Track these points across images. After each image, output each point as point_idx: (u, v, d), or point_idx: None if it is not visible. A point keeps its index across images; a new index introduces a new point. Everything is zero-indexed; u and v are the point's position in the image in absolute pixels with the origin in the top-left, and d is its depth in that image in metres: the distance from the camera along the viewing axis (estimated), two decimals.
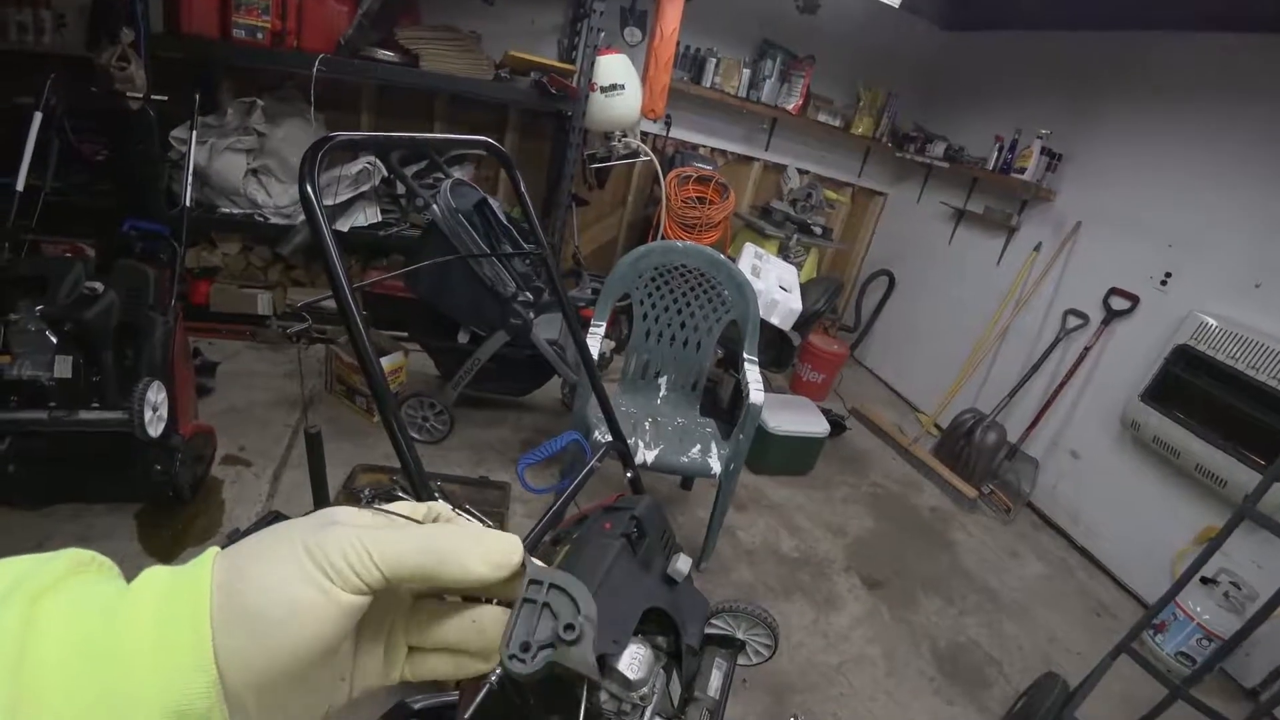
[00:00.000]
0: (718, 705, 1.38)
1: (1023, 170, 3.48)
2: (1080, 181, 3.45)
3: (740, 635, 1.63)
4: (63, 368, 1.75)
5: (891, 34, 4.15)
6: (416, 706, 1.44)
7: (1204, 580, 2.47)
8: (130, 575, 0.29)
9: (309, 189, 0.68)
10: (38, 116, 2.06)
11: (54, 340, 1.74)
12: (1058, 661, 2.46)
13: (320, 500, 2.01)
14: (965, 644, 2.44)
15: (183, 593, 0.27)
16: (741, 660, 1.64)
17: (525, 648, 0.34)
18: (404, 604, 0.37)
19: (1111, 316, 3.16)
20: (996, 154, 3.68)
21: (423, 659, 0.37)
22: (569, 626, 0.34)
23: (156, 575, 0.28)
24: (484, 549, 0.33)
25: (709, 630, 1.58)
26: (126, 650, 0.25)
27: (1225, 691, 2.50)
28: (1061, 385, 3.30)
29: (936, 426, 3.93)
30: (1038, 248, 3.55)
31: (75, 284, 1.80)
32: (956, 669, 2.31)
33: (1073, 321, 3.35)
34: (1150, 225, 3.07)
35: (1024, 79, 3.83)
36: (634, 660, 1.05)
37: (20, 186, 2.01)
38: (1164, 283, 2.99)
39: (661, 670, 1.24)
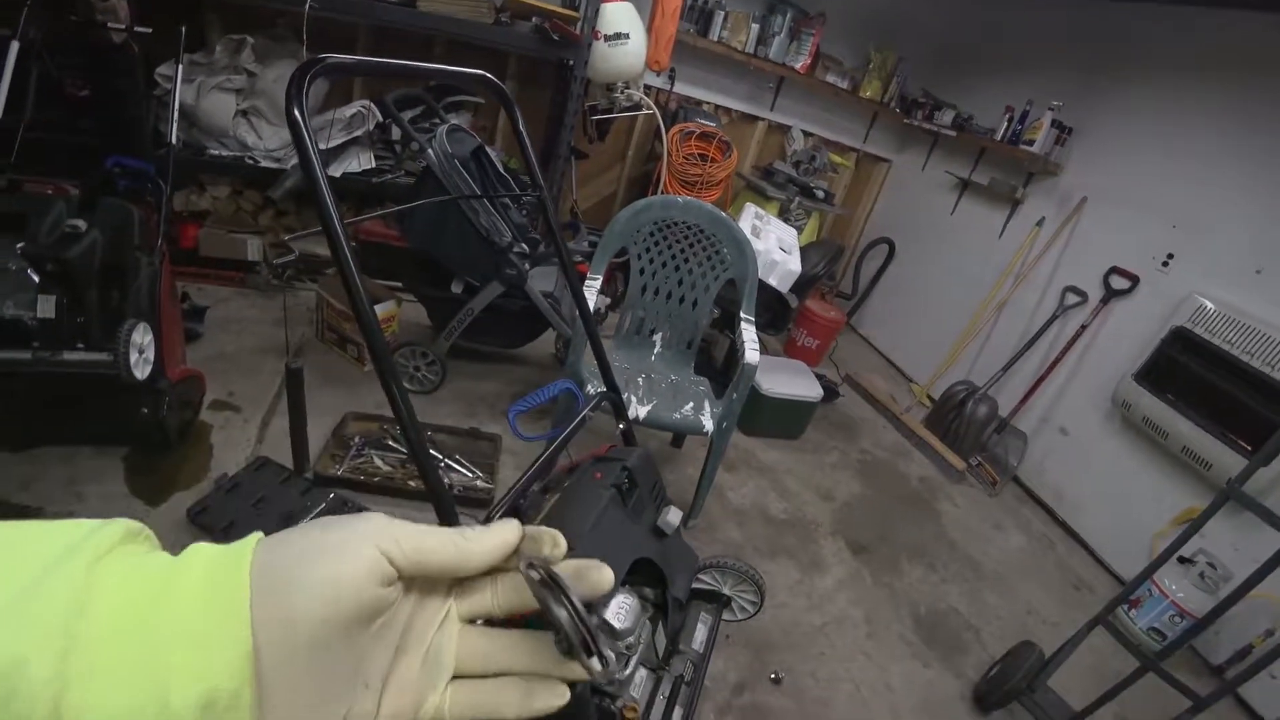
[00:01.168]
0: (702, 658, 1.41)
1: (1031, 142, 3.42)
2: (1088, 157, 3.40)
3: (726, 591, 1.65)
4: (45, 307, 1.71)
5: None
6: None
7: (1181, 560, 2.51)
8: (118, 516, 0.30)
9: (296, 112, 0.64)
10: (14, 46, 1.97)
11: (35, 279, 1.69)
12: (1034, 631, 2.51)
13: (299, 438, 2.00)
14: (945, 611, 2.48)
15: (226, 568, 0.28)
16: (726, 616, 1.66)
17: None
18: (445, 614, 0.36)
19: (1110, 295, 3.14)
20: (1006, 124, 3.61)
21: (475, 690, 0.36)
22: (561, 635, 0.34)
23: (202, 551, 0.29)
24: (488, 532, 0.36)
25: (696, 585, 1.59)
26: (171, 620, 0.27)
27: (1192, 667, 2.56)
28: (1055, 362, 3.30)
29: (929, 397, 3.94)
30: (1040, 222, 3.51)
31: (57, 222, 1.74)
32: (935, 634, 2.35)
33: (1071, 298, 3.34)
34: (1155, 205, 3.03)
35: (1038, 49, 3.74)
36: (621, 610, 1.06)
37: None
38: (1165, 264, 2.97)
39: (648, 621, 1.26)
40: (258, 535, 0.31)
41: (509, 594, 0.37)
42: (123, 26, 2.33)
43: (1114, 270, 3.15)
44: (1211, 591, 2.43)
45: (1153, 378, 2.83)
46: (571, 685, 0.36)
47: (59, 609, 0.25)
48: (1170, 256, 2.95)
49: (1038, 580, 2.83)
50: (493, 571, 0.37)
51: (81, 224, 1.74)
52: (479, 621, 0.38)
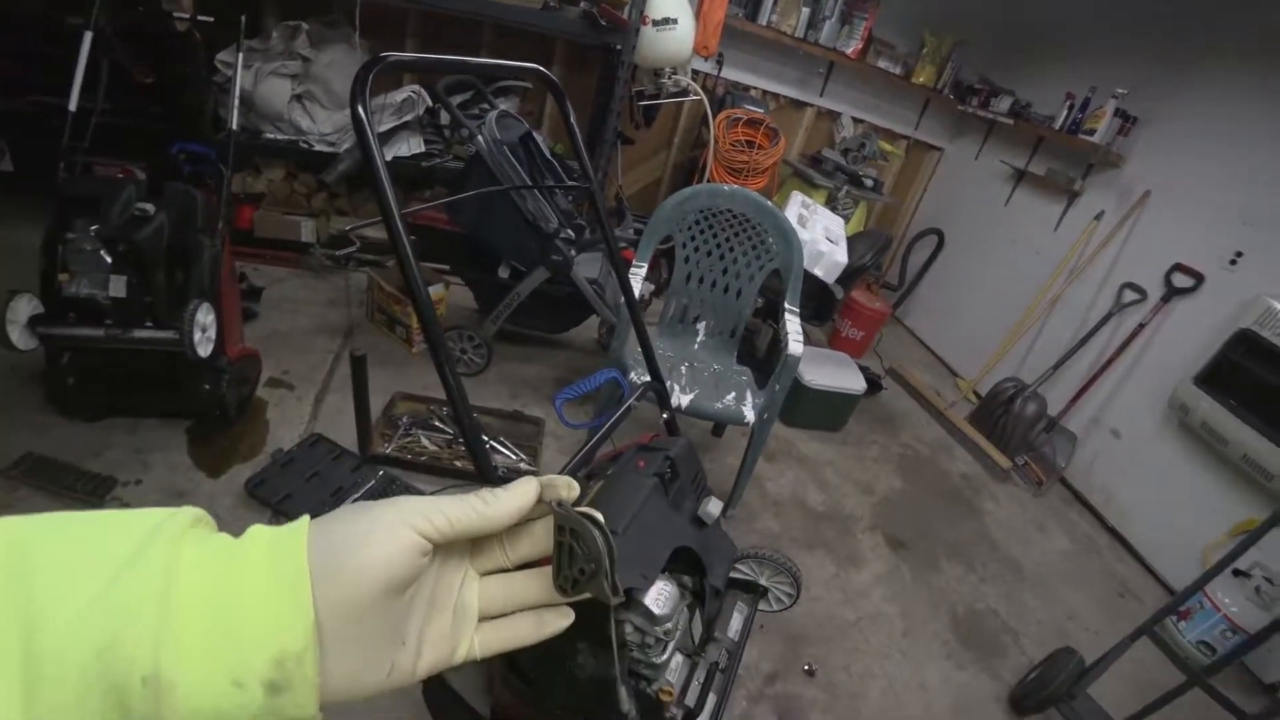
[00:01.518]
0: (736, 647, 1.42)
1: (1092, 132, 3.29)
2: (1154, 148, 3.25)
3: (763, 582, 1.65)
4: (117, 287, 1.80)
5: None
6: None
7: (1236, 573, 2.42)
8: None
9: (360, 110, 0.66)
10: (88, 36, 2.05)
11: (108, 260, 1.78)
12: (1075, 638, 2.45)
13: (363, 420, 2.07)
14: (983, 611, 2.45)
15: (286, 550, 0.32)
16: (762, 606, 1.67)
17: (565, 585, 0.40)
18: (464, 573, 0.42)
19: (1172, 294, 3.02)
20: (1066, 113, 3.48)
21: (498, 628, 0.42)
22: (582, 570, 0.40)
23: (261, 534, 0.33)
24: (506, 511, 0.39)
25: (733, 575, 1.61)
26: (242, 595, 0.30)
27: (1242, 684, 2.47)
28: (1110, 361, 3.20)
29: (975, 393, 3.86)
30: (1099, 216, 3.39)
31: (127, 205, 1.82)
32: (972, 635, 2.32)
33: (1129, 296, 3.22)
34: (1225, 200, 2.89)
35: (1103, 34, 3.58)
36: (660, 596, 1.08)
37: (73, 107, 2.03)
38: (1233, 262, 2.83)
39: (685, 608, 1.28)
40: (306, 519, 0.34)
41: (519, 546, 0.42)
42: (187, 16, 2.41)
43: (1177, 267, 3.02)
44: (1267, 607, 2.34)
45: (1214, 381, 2.72)
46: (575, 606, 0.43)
47: (152, 588, 0.28)
48: (1239, 254, 2.81)
49: (1081, 585, 2.76)
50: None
51: (150, 207, 1.82)
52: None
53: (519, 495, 0.40)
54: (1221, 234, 2.87)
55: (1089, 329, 3.33)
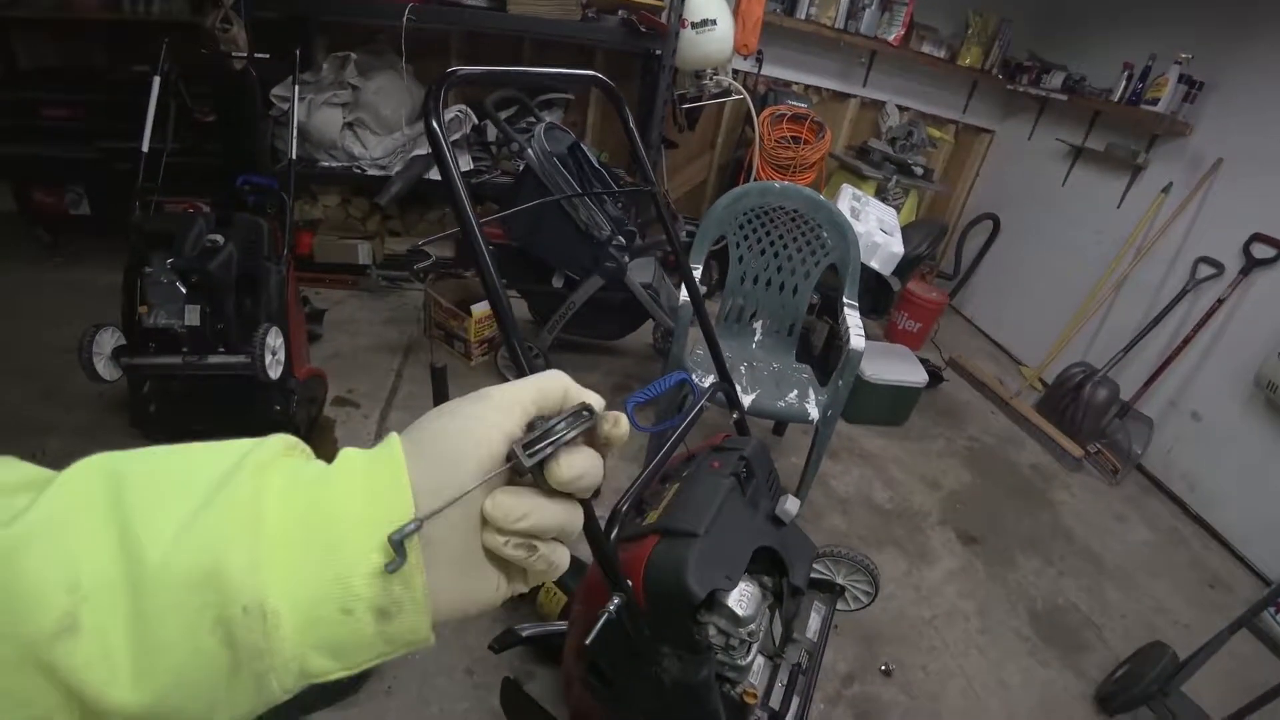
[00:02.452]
0: (816, 647, 1.40)
1: (1155, 101, 3.15)
2: (1224, 114, 3.09)
3: (840, 580, 1.63)
4: (192, 316, 1.88)
5: None
6: (525, 634, 1.52)
7: None
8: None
9: (435, 124, 0.68)
10: (156, 81, 2.17)
11: (183, 290, 1.86)
12: (1163, 632, 2.34)
13: None
14: (1063, 606, 2.35)
15: (381, 459, 0.32)
16: (840, 606, 1.64)
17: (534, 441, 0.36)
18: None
19: (1252, 265, 2.86)
20: (1124, 83, 3.34)
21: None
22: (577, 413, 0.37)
23: (354, 453, 0.33)
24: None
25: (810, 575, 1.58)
26: (340, 516, 0.30)
27: None
28: (1186, 340, 3.05)
29: (1041, 381, 3.73)
30: (1167, 188, 3.24)
31: (199, 237, 1.91)
32: (1053, 631, 2.24)
33: (1204, 270, 3.06)
34: None
35: None
36: (743, 597, 1.07)
37: (145, 148, 2.14)
38: None
39: (767, 610, 1.26)
40: (396, 435, 0.34)
41: None
42: (244, 55, 2.51)
43: (1256, 237, 2.86)
44: None
45: None
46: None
47: (241, 516, 0.28)
48: None
49: (1167, 577, 2.63)
50: None
51: (220, 238, 1.91)
52: None
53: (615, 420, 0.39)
54: None
55: (1161, 308, 3.18)
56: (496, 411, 0.35)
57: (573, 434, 0.36)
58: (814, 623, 1.46)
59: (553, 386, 0.38)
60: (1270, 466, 2.74)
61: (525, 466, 0.34)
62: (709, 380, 1.39)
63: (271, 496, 0.29)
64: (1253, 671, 2.17)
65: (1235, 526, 2.86)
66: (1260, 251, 2.85)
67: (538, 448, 0.34)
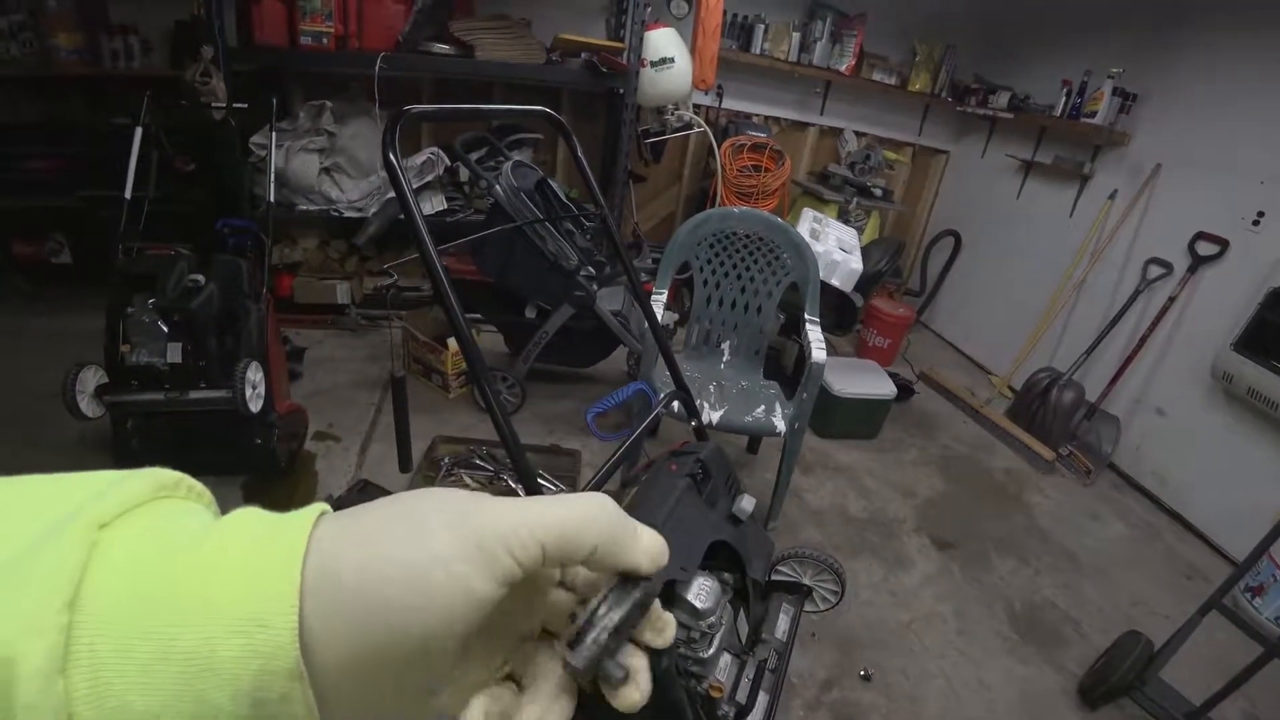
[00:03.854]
0: (785, 647, 1.44)
1: (1093, 114, 3.32)
2: (1158, 121, 3.26)
3: (807, 581, 1.67)
4: (174, 353, 1.94)
5: None
6: None
7: None
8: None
9: (391, 156, 0.75)
10: (139, 132, 2.27)
11: (165, 329, 1.93)
12: (1142, 624, 2.36)
13: (402, 436, 2.15)
14: (1041, 604, 2.39)
15: (275, 548, 0.23)
16: (809, 607, 1.68)
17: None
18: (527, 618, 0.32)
19: (1198, 263, 2.99)
20: (1064, 99, 3.51)
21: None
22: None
23: (248, 519, 0.24)
24: (645, 540, 0.30)
25: (776, 576, 1.63)
26: (199, 605, 0.21)
27: None
28: (1144, 339, 3.15)
29: (1010, 388, 3.82)
30: (1113, 195, 3.38)
31: (180, 278, 1.98)
32: (1032, 629, 2.27)
33: (1154, 271, 3.19)
34: (1239, 162, 2.88)
35: (1090, 17, 3.62)
36: (701, 590, 1.12)
37: (128, 195, 2.22)
38: (1256, 223, 2.80)
39: (729, 605, 1.30)
40: (318, 509, 0.25)
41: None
42: (223, 105, 2.62)
43: (1200, 236, 3.00)
44: None
45: (1254, 345, 2.66)
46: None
47: (49, 588, 0.20)
48: (1261, 214, 2.78)
49: (1143, 570, 2.68)
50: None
51: (200, 278, 1.97)
52: None
53: (656, 540, 0.31)
54: (1240, 196, 2.85)
55: (1118, 309, 3.29)
56: (471, 561, 0.24)
57: (623, 622, 0.29)
58: (782, 623, 1.50)
59: (586, 530, 0.27)
60: (1234, 456, 2.82)
61: (576, 669, 0.27)
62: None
63: (110, 564, 0.21)
64: (1237, 655, 2.21)
65: (1207, 516, 2.93)
66: (1204, 249, 2.98)
67: (586, 642, 0.28)
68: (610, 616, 0.28)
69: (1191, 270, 3.01)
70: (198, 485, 0.27)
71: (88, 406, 1.79)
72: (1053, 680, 2.10)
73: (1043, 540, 2.73)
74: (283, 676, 0.21)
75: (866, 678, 1.96)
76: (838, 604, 1.74)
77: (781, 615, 1.53)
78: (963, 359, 4.44)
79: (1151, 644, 1.97)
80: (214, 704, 0.21)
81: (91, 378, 1.83)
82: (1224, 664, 2.16)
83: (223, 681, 0.21)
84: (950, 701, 1.96)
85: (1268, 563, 2.34)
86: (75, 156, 2.97)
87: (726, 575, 1.31)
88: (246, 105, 2.66)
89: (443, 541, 0.24)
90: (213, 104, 2.59)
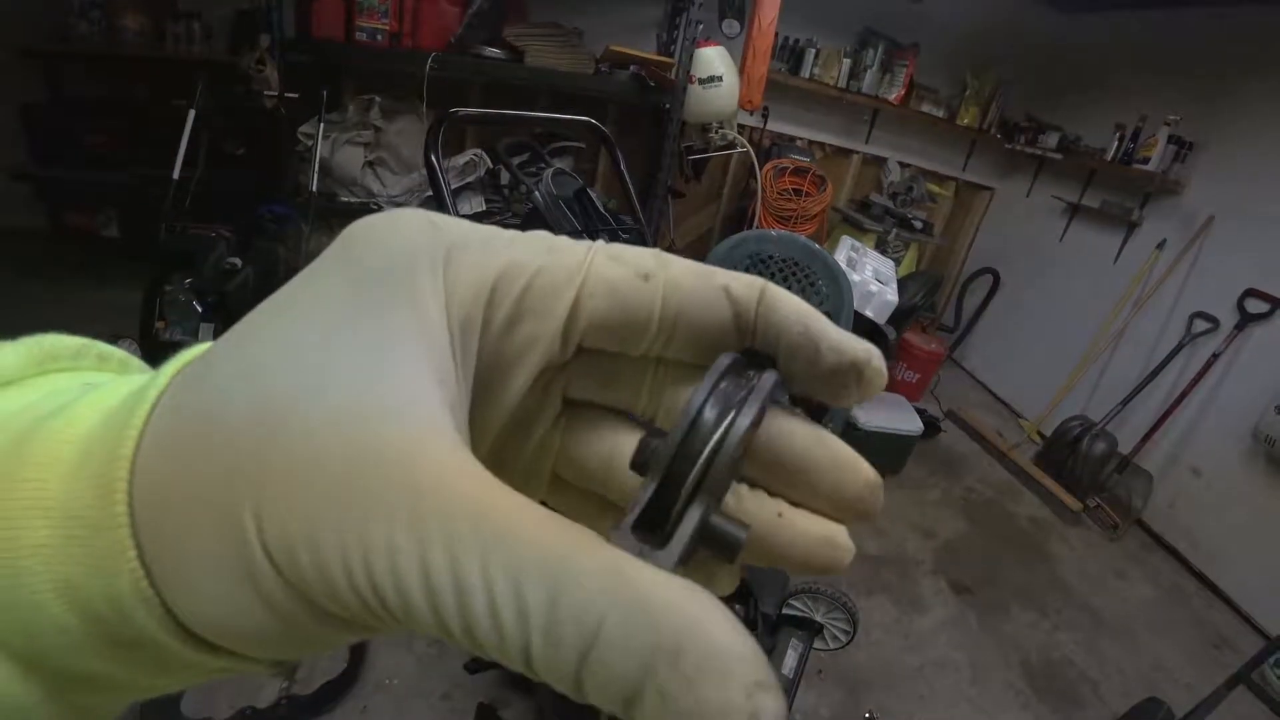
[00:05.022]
0: (791, 684, 1.40)
1: (1146, 160, 3.24)
2: (1214, 172, 3.17)
3: (818, 618, 1.63)
4: (206, 333, 1.96)
5: (1003, 18, 3.96)
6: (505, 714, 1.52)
7: None
8: None
9: (433, 157, 0.75)
10: (192, 114, 2.32)
11: (200, 309, 1.96)
12: (1163, 690, 2.27)
13: None
14: (1059, 660, 2.32)
15: (104, 447, 0.15)
16: (819, 645, 1.64)
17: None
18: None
19: (1246, 320, 2.89)
20: (1117, 144, 3.44)
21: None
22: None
23: (93, 400, 0.16)
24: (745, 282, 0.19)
25: (787, 611, 1.59)
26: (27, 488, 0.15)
27: None
28: (1184, 394, 3.06)
29: (1039, 434, 3.72)
30: (1161, 245, 3.30)
31: (218, 260, 2.01)
32: (1048, 685, 2.20)
33: (1200, 325, 3.09)
34: None
35: (1149, 62, 3.55)
36: None
37: (176, 175, 2.28)
38: None
39: None
40: (189, 354, 0.17)
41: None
42: (275, 94, 2.67)
43: (1250, 293, 2.90)
44: None
45: None
46: None
47: None
48: None
49: (1168, 635, 2.59)
50: None
51: (238, 261, 2.01)
52: None
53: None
54: None
55: (1158, 362, 3.20)
56: (418, 358, 0.15)
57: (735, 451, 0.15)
58: (790, 659, 1.47)
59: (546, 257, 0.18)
60: (1271, 522, 2.72)
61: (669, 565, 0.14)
62: None
63: None
64: None
65: (1239, 584, 2.81)
66: (1254, 306, 2.88)
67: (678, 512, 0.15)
68: (726, 438, 0.15)
69: (1239, 327, 2.91)
70: (118, 352, 0.21)
71: None
72: None
73: (1065, 594, 2.65)
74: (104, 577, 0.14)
75: None
76: (848, 643, 1.70)
77: (790, 651, 1.49)
78: (993, 400, 4.35)
79: (1171, 712, 1.89)
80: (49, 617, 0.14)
81: (125, 350, 1.86)
82: None
83: (45, 592, 0.14)
84: None
85: None
86: (132, 134, 3.06)
87: (737, 606, 1.28)
88: (297, 95, 2.71)
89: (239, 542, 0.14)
90: (265, 92, 2.64)
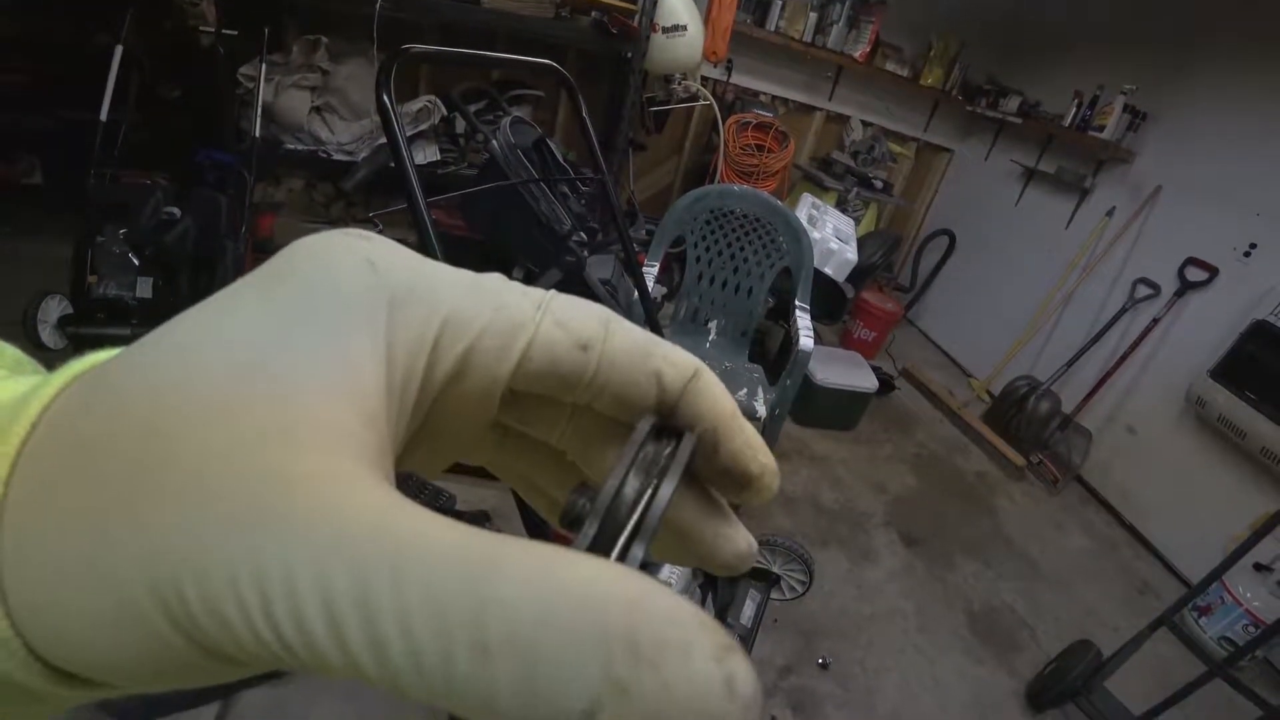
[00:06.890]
0: (750, 633, 1.44)
1: (1101, 128, 3.30)
2: (1164, 143, 3.25)
3: (776, 570, 1.67)
4: (144, 288, 1.87)
5: None
6: None
7: (1258, 567, 2.40)
8: None
9: (385, 98, 0.71)
10: (118, 51, 2.14)
11: (136, 262, 1.85)
12: (1094, 633, 2.42)
13: None
14: (999, 608, 2.44)
15: None
16: (775, 595, 1.69)
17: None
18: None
19: (1186, 288, 3.01)
20: (1074, 110, 3.48)
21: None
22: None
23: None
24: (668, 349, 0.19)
25: None
26: None
27: (1268, 680, 2.45)
28: (1124, 357, 3.18)
29: (989, 393, 3.85)
30: (1111, 212, 3.38)
31: (155, 210, 1.90)
32: (988, 631, 2.32)
33: (1142, 291, 3.21)
34: (1238, 193, 2.89)
35: (1109, 31, 3.59)
36: (671, 577, 1.11)
37: (104, 117, 2.11)
38: (1247, 254, 2.82)
39: (698, 589, 1.30)
40: (83, 364, 0.15)
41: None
42: (211, 30, 2.49)
43: (1190, 261, 3.01)
44: None
45: (1230, 374, 2.70)
46: None
47: None
48: (1253, 246, 2.80)
49: (1099, 582, 2.75)
50: None
51: (176, 212, 1.90)
52: None
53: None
54: (1235, 227, 2.87)
55: (1102, 326, 3.32)
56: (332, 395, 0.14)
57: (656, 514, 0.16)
58: (749, 609, 1.51)
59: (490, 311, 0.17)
60: (1197, 479, 2.88)
61: None
62: None
63: None
64: (1176, 670, 2.28)
65: (1165, 536, 2.99)
66: (1194, 274, 3.00)
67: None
68: (653, 499, 0.16)
69: (1178, 294, 3.03)
70: (10, 350, 0.19)
71: (49, 337, 1.73)
72: (1005, 682, 2.15)
73: (1007, 545, 2.78)
74: None
75: (824, 666, 1.98)
76: (804, 594, 1.75)
77: (748, 601, 1.53)
78: (945, 359, 4.47)
79: (1100, 653, 2.02)
80: None
81: (55, 307, 1.76)
82: (1166, 677, 2.23)
83: None
84: (904, 695, 1.99)
85: (1218, 585, 2.40)
86: (56, 75, 2.82)
87: None
88: (237, 33, 2.53)
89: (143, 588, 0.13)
90: (201, 28, 2.46)
